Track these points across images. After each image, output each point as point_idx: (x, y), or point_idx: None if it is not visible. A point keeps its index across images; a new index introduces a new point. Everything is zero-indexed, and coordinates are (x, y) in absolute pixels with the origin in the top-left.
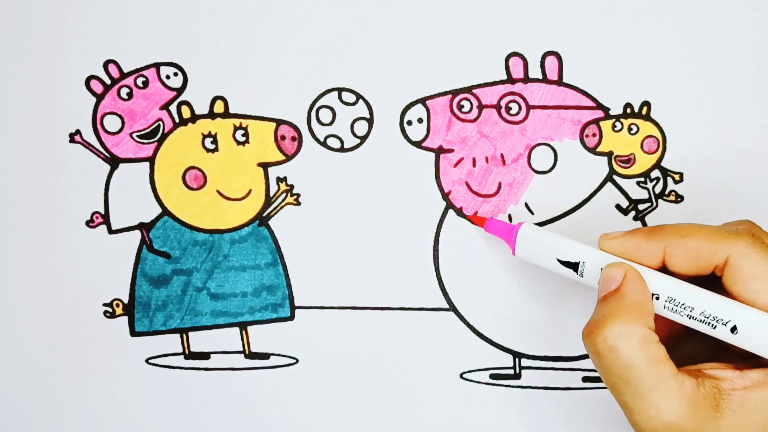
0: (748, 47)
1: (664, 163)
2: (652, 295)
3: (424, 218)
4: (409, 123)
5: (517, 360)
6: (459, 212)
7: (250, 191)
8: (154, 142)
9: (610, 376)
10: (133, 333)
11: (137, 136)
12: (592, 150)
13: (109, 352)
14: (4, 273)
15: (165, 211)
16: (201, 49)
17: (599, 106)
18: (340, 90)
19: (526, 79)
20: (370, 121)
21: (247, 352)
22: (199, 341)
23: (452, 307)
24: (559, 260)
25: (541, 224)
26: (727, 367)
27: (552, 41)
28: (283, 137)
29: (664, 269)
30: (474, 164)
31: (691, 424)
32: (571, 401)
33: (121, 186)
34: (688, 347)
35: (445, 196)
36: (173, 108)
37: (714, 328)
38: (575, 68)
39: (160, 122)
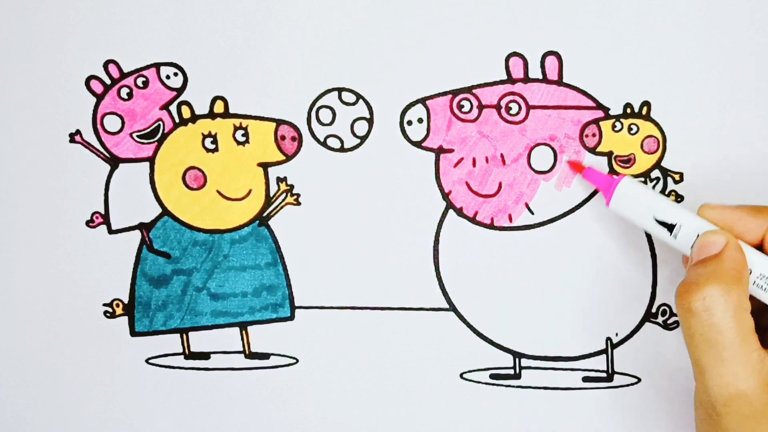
0: (748, 47)
1: (664, 163)
2: None
3: (424, 218)
4: (409, 123)
5: (517, 360)
6: (459, 212)
7: (250, 191)
8: (154, 142)
9: (695, 335)
10: (133, 333)
11: (137, 136)
12: (592, 150)
13: (109, 352)
14: (4, 273)
15: (165, 211)
16: (201, 49)
17: (599, 106)
18: (340, 90)
19: (526, 79)
20: (370, 121)
21: (247, 352)
22: (199, 341)
23: (452, 307)
24: (656, 219)
25: (541, 224)
26: None
27: (552, 41)
28: (283, 137)
29: (758, 248)
30: (474, 164)
31: (760, 401)
32: (571, 401)
33: (121, 186)
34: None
35: (445, 196)
36: (173, 108)
37: None
38: (575, 68)
39: (160, 122)
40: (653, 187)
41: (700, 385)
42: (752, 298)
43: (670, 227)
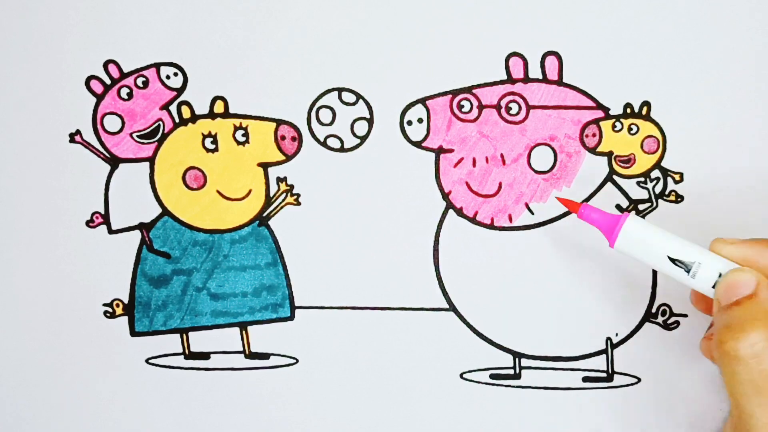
0: (748, 47)
1: (664, 163)
2: None
3: (424, 218)
4: (409, 123)
5: (517, 360)
6: (459, 212)
7: (250, 191)
8: (154, 142)
9: (743, 382)
10: (133, 333)
11: (137, 136)
12: (592, 150)
13: (109, 352)
14: (4, 273)
15: (165, 211)
16: (201, 49)
17: (599, 106)
18: (340, 90)
19: (526, 79)
20: (370, 121)
21: (247, 352)
22: (199, 341)
23: (452, 307)
24: (669, 258)
25: (541, 224)
26: None
27: (552, 41)
28: (283, 137)
29: None
30: (474, 164)
31: None
32: (571, 401)
33: (121, 186)
34: None
35: (445, 196)
36: (173, 108)
37: None
38: (575, 68)
39: (160, 122)
40: (653, 187)
41: (743, 426)
42: None
43: (686, 266)
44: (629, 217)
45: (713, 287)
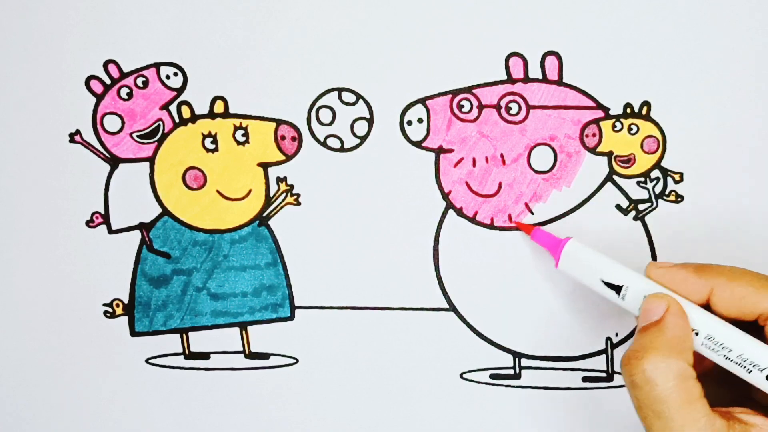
0: (748, 47)
1: (664, 163)
2: (692, 330)
3: (424, 218)
4: (409, 123)
5: (517, 360)
6: (459, 212)
7: (250, 191)
8: (154, 142)
9: (642, 407)
10: (133, 333)
11: (137, 136)
12: (592, 150)
13: (109, 352)
14: (4, 273)
15: (165, 211)
16: (201, 49)
17: (599, 106)
18: (340, 90)
19: (526, 79)
20: (370, 121)
21: (247, 352)
22: (199, 341)
23: (452, 307)
24: (603, 281)
25: (541, 224)
26: (757, 414)
27: (552, 41)
28: (283, 137)
29: (706, 307)
30: (474, 164)
31: None
32: (571, 401)
33: (121, 186)
34: (709, 389)
35: (445, 196)
36: (173, 108)
37: (749, 372)
38: (575, 68)
39: (160, 122)
40: (653, 187)
41: None
42: (696, 358)
43: (617, 289)
44: (569, 241)
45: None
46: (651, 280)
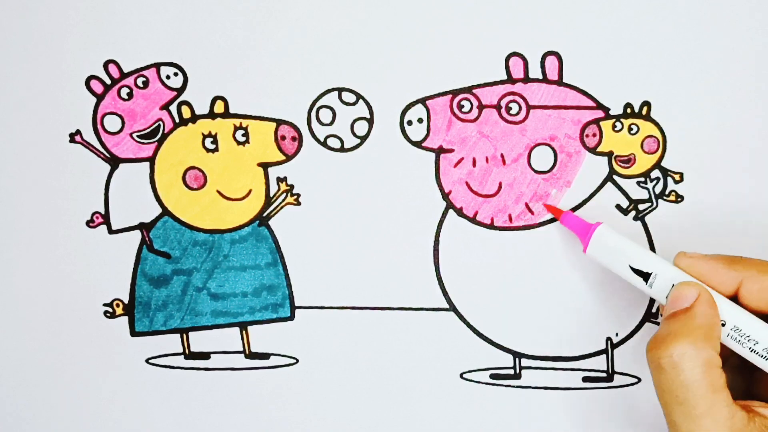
0: (748, 47)
1: (664, 163)
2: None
3: (424, 218)
4: (409, 123)
5: (517, 360)
6: (459, 212)
7: (250, 191)
8: (154, 142)
9: (666, 392)
10: (133, 333)
11: (137, 136)
12: (592, 150)
13: (109, 352)
14: (4, 273)
15: (165, 211)
16: (201, 49)
17: (599, 106)
18: (340, 90)
19: (526, 79)
20: (370, 121)
21: (247, 352)
22: (199, 341)
23: (452, 307)
24: (631, 267)
25: (541, 224)
26: None
27: (552, 41)
28: (283, 137)
29: (734, 299)
30: (474, 164)
31: None
32: (571, 401)
33: (121, 186)
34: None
35: (445, 196)
36: (173, 108)
37: None
38: (575, 68)
39: (160, 122)
40: (653, 187)
41: None
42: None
43: (645, 276)
44: (599, 226)
45: (667, 297)
46: (680, 269)
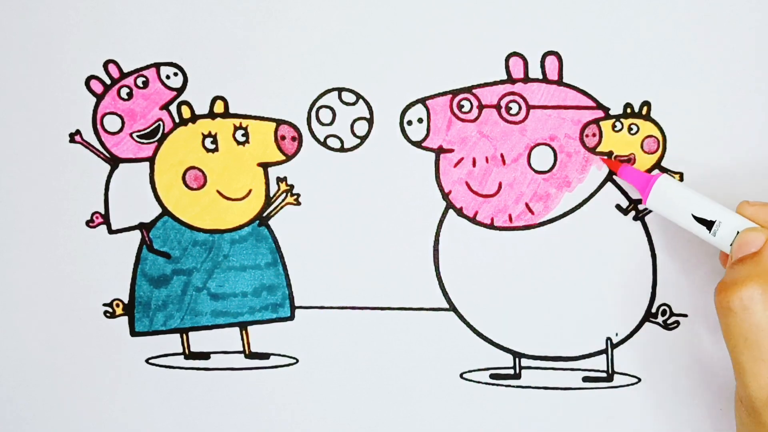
0: (748, 47)
1: (664, 163)
2: None
3: (424, 218)
4: (409, 123)
5: (517, 360)
6: (459, 212)
7: (250, 191)
8: (154, 142)
9: (734, 335)
10: (133, 333)
11: (137, 136)
12: (592, 150)
13: (109, 352)
14: (4, 273)
15: (165, 211)
16: (201, 49)
17: (599, 106)
18: (340, 90)
19: (526, 79)
20: (370, 121)
21: (247, 352)
22: (199, 341)
23: (452, 307)
24: (694, 216)
25: (541, 224)
26: None
27: (552, 41)
28: (283, 137)
29: None
30: (474, 164)
31: None
32: (571, 401)
33: (121, 186)
34: None
35: (445, 196)
36: (173, 108)
37: None
38: (575, 68)
39: (160, 122)
40: None
41: (740, 383)
42: None
43: (709, 224)
44: (660, 177)
45: (731, 245)
46: (744, 216)
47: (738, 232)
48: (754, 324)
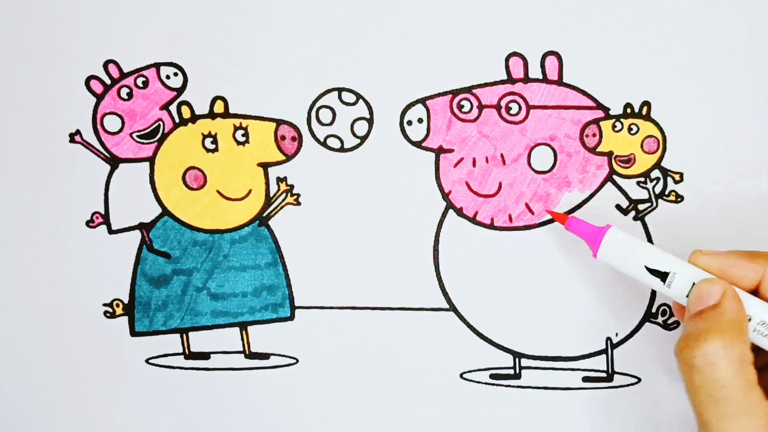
0: (748, 47)
1: (664, 163)
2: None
3: (424, 218)
4: (409, 123)
5: (517, 360)
6: (459, 212)
7: (250, 191)
8: (154, 142)
9: (699, 392)
10: (133, 333)
11: (137, 136)
12: (592, 150)
13: (109, 352)
14: (4, 273)
15: (165, 211)
16: (201, 49)
17: (599, 106)
18: (340, 90)
19: (526, 79)
20: (370, 121)
21: (247, 352)
22: (199, 341)
23: (452, 307)
24: (647, 268)
25: (541, 224)
26: None
27: (552, 41)
28: (283, 137)
29: (754, 294)
30: (474, 164)
31: None
32: (571, 401)
33: (121, 186)
34: None
35: (445, 196)
36: (173, 108)
37: None
38: (575, 68)
39: (160, 122)
40: (653, 187)
41: None
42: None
43: (663, 276)
44: (610, 229)
45: (687, 297)
46: (698, 267)
47: (693, 284)
48: (720, 379)
